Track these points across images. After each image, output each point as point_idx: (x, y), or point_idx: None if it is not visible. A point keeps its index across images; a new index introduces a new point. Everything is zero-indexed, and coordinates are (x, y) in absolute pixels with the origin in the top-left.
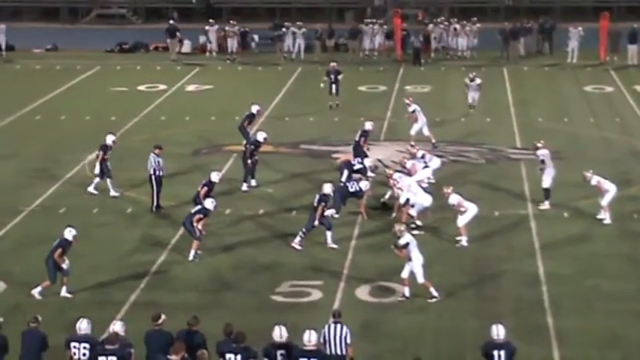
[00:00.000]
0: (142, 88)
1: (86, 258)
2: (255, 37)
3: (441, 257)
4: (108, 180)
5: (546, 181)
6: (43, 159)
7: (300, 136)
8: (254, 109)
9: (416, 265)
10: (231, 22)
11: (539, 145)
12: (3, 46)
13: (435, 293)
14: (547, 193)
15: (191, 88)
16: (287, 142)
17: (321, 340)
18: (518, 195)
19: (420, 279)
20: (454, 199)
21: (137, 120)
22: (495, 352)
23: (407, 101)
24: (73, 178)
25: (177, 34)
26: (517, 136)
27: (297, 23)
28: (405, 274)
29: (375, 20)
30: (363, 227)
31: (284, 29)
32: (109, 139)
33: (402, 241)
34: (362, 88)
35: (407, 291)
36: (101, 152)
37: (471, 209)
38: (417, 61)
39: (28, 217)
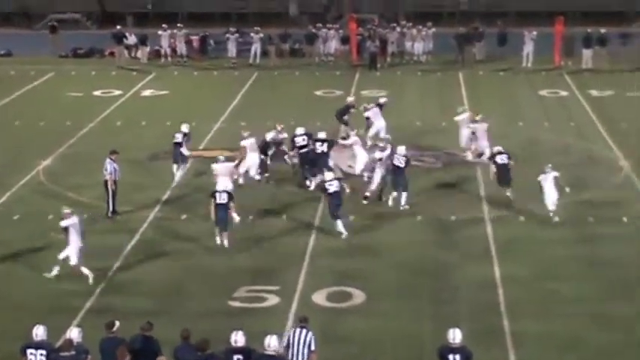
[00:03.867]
0: (97, 93)
1: (42, 264)
2: (212, 41)
3: (399, 260)
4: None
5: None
6: None
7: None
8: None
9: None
10: (179, 25)
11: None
12: None
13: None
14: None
15: (147, 93)
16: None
17: (285, 344)
18: (475, 199)
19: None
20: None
21: (93, 125)
22: (451, 356)
23: (365, 114)
24: (27, 184)
25: (125, 39)
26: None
27: (255, 28)
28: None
29: (330, 25)
30: (320, 232)
31: (234, 34)
32: (185, 128)
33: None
34: (318, 93)
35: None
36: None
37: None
38: (373, 66)
39: None
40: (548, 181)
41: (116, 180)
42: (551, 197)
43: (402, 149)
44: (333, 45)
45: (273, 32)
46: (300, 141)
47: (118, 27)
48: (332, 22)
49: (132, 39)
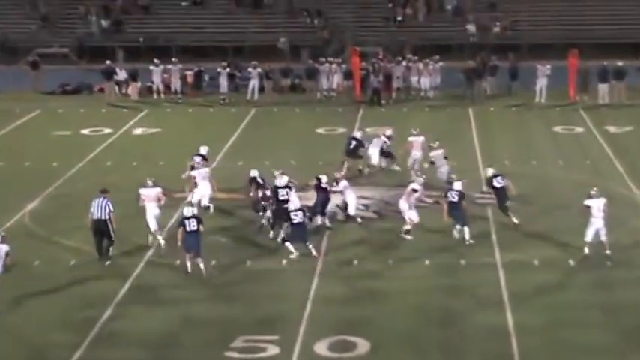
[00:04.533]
0: (86, 132)
1: (27, 313)
2: (206, 76)
3: (406, 307)
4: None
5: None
6: None
7: None
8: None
9: None
10: (173, 60)
11: (434, 145)
12: None
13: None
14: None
15: (138, 131)
16: (242, 188)
17: None
18: (485, 242)
19: None
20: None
21: (81, 165)
22: None
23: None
24: (11, 228)
25: (115, 75)
26: (483, 180)
27: (252, 62)
28: None
29: (332, 59)
30: (322, 277)
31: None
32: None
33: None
34: (320, 131)
35: None
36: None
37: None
38: (376, 102)
39: None
40: (594, 209)
41: (106, 219)
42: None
43: (457, 185)
44: (336, 80)
45: (272, 67)
46: (283, 194)
47: (108, 62)
48: (334, 56)
49: (122, 74)
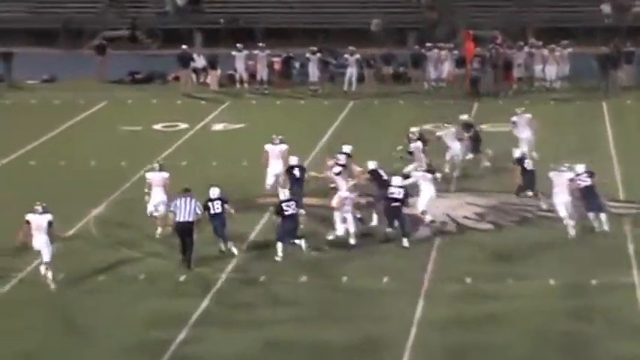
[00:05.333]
0: (158, 127)
1: (90, 336)
2: (297, 64)
3: (525, 333)
4: None
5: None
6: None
7: None
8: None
9: None
10: (259, 44)
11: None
12: None
13: None
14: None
15: (218, 127)
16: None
17: None
18: (621, 258)
19: None
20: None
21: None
22: None
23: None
24: (74, 236)
25: (192, 62)
26: (619, 185)
27: (350, 48)
28: None
29: (442, 44)
30: (429, 298)
31: (315, 54)
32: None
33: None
34: (428, 127)
35: None
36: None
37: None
38: (475, 93)
39: (22, 283)
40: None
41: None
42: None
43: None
44: (446, 68)
45: (373, 53)
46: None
47: (184, 47)
48: (444, 41)
49: (200, 61)
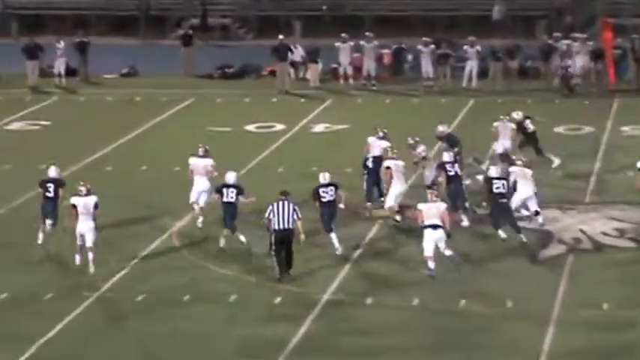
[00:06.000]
0: (250, 127)
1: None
2: (409, 57)
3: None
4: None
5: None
6: (117, 225)
7: None
8: None
9: None
10: (366, 34)
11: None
12: (62, 71)
13: None
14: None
15: (319, 128)
16: None
17: None
18: None
19: None
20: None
21: (245, 172)
22: None
23: (412, 143)
24: (156, 252)
25: (290, 54)
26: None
27: (470, 38)
28: None
29: (576, 34)
30: (561, 325)
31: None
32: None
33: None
34: (559, 130)
35: None
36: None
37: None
38: (568, 90)
39: (92, 305)
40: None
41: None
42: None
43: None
44: (579, 62)
45: (497, 44)
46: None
47: (281, 37)
48: (577, 30)
49: (299, 53)
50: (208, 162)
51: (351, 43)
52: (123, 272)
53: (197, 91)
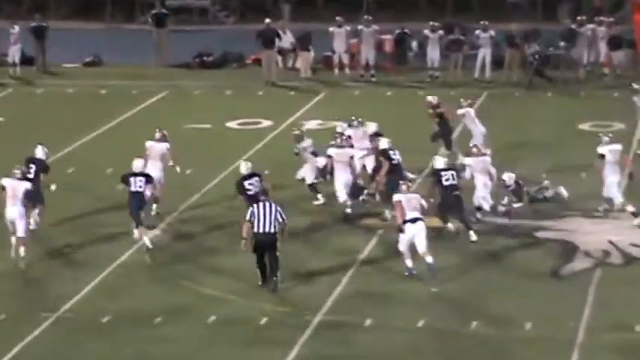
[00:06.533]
0: (233, 124)
1: None
2: (414, 43)
3: None
4: None
5: None
6: (79, 234)
7: None
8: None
9: None
10: (364, 17)
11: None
12: (17, 60)
13: None
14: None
15: (311, 125)
16: None
17: None
18: None
19: None
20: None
21: (226, 174)
22: None
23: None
24: (125, 266)
25: (278, 40)
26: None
27: (482, 22)
28: None
29: (601, 17)
30: (585, 351)
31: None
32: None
33: None
34: (583, 127)
35: None
36: None
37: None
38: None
39: (51, 327)
40: None
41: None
42: None
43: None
44: (604, 49)
45: (513, 28)
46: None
47: (267, 20)
48: (605, 13)
49: (288, 39)
50: (164, 145)
51: (348, 28)
52: (86, 289)
53: (171, 83)
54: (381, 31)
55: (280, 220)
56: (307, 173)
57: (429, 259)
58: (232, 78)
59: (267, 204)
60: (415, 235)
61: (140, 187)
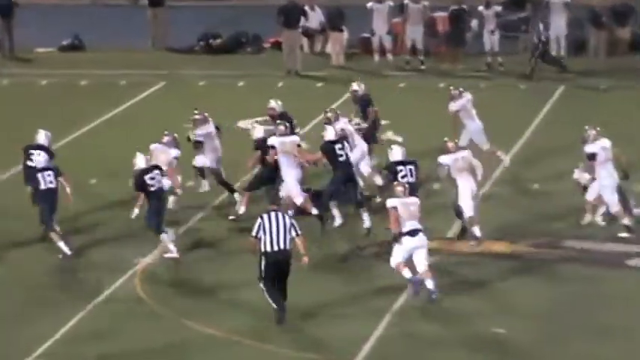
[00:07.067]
0: (245, 124)
1: None
2: (474, 22)
3: None
4: None
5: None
6: (57, 263)
7: None
8: None
9: None
10: None
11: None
12: None
13: None
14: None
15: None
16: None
17: None
18: None
19: None
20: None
21: (239, 185)
22: None
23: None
24: (111, 301)
25: (304, 19)
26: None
27: None
28: None
29: None
30: None
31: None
32: None
33: None
34: None
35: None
36: None
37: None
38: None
39: None
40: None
41: None
42: None
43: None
44: None
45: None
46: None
47: None
48: None
49: (316, 17)
50: (174, 152)
51: (390, 4)
52: (62, 330)
53: (170, 72)
54: (433, 7)
55: (294, 233)
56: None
57: (431, 283)
58: (246, 66)
59: (279, 215)
60: (414, 250)
61: (51, 182)
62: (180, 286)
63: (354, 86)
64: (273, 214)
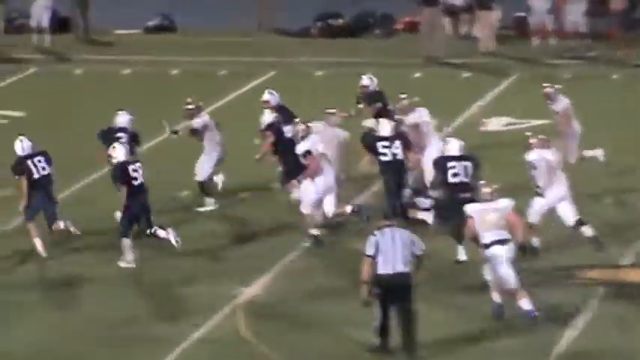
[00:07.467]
0: (373, 122)
1: None
2: None
3: None
4: None
5: None
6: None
7: None
8: None
9: None
10: None
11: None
12: (44, 23)
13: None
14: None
15: (496, 124)
16: None
17: None
18: None
19: None
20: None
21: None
22: None
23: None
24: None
25: None
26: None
27: None
28: None
29: None
30: None
31: None
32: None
33: None
34: None
35: None
36: None
37: None
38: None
39: None
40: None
41: None
42: None
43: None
44: None
45: None
46: None
47: None
48: None
49: None
50: (342, 134)
51: None
52: None
53: (281, 60)
54: None
55: (418, 252)
56: None
57: (526, 302)
58: (373, 52)
59: (396, 232)
60: (505, 260)
61: (44, 169)
62: (288, 321)
63: (365, 80)
64: (389, 231)
